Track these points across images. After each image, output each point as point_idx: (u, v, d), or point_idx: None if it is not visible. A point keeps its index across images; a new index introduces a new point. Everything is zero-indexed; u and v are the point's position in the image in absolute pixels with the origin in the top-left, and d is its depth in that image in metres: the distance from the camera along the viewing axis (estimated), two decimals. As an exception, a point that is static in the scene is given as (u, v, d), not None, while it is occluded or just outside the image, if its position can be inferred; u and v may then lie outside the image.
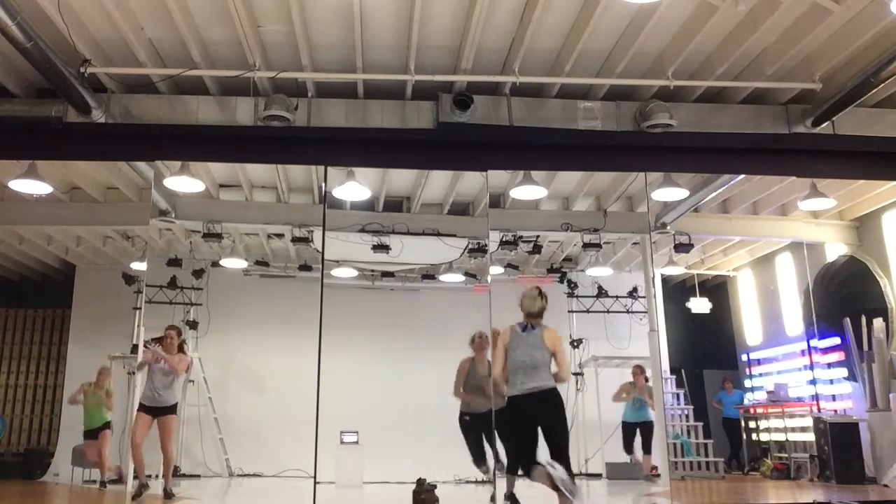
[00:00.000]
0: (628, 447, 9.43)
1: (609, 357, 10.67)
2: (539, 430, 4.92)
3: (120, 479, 8.49)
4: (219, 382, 10.74)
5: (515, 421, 4.95)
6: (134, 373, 7.19)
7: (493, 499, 6.11)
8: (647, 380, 9.49)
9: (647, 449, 9.22)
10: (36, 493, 8.06)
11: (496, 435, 6.43)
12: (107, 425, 8.39)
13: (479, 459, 6.52)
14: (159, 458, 7.07)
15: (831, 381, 9.96)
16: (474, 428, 6.50)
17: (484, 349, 6.59)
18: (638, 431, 9.31)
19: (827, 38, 6.28)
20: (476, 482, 5.50)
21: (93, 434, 8.41)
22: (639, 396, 9.37)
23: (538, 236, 10.42)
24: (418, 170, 8.65)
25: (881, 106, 7.28)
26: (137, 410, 7.09)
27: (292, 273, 11.01)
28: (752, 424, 11.14)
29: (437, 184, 9.22)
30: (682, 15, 6.15)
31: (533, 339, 5.02)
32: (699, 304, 11.59)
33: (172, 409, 7.10)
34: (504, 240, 9.84)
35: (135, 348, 7.68)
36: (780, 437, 10.38)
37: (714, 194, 9.00)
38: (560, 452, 4.81)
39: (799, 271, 10.62)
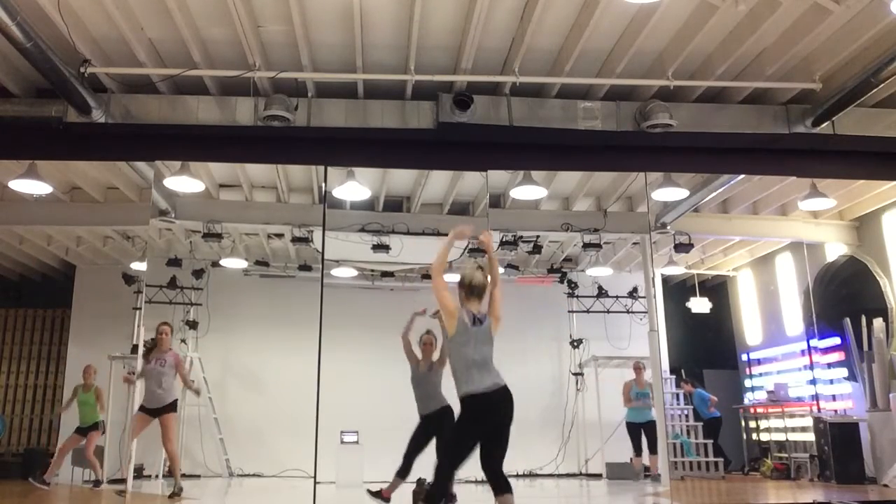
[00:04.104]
0: (637, 449, 9.31)
1: (609, 357, 10.70)
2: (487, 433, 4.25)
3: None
4: (219, 382, 10.75)
5: (475, 421, 4.22)
6: (133, 377, 7.15)
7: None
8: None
9: (653, 449, 9.14)
10: (36, 493, 8.05)
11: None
12: (96, 426, 8.37)
13: (409, 465, 6.10)
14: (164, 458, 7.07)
15: (831, 381, 9.96)
16: (423, 430, 6.16)
17: (430, 350, 6.39)
18: (643, 432, 9.25)
19: (827, 38, 6.28)
20: (476, 482, 5.47)
21: (84, 432, 8.41)
22: (641, 390, 9.36)
23: (538, 236, 10.43)
24: (418, 170, 8.65)
25: (881, 106, 7.28)
26: (137, 410, 7.12)
27: (292, 273, 11.01)
28: (752, 424, 11.12)
29: (437, 184, 9.22)
30: (682, 15, 6.15)
31: (482, 335, 4.31)
32: (699, 304, 11.61)
33: (171, 407, 7.05)
34: (504, 240, 9.85)
35: (135, 348, 7.67)
36: (780, 437, 10.39)
37: (714, 194, 9.00)
38: (502, 455, 4.24)
39: (799, 271, 10.62)
